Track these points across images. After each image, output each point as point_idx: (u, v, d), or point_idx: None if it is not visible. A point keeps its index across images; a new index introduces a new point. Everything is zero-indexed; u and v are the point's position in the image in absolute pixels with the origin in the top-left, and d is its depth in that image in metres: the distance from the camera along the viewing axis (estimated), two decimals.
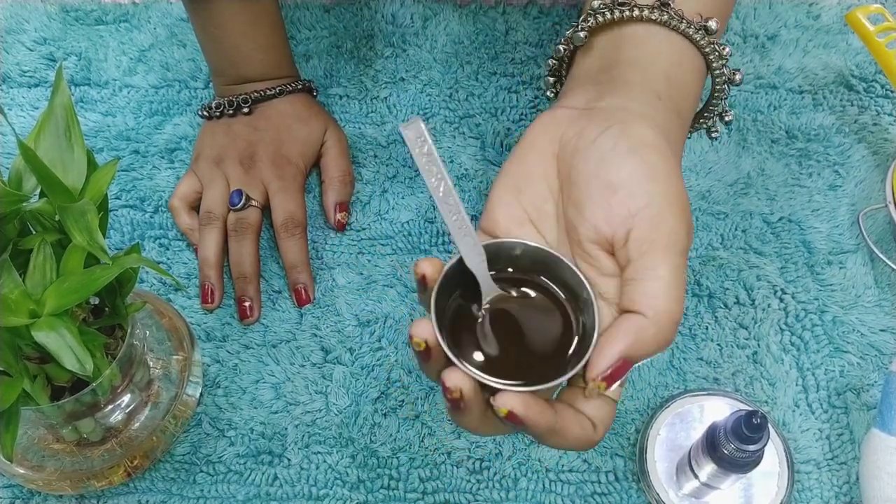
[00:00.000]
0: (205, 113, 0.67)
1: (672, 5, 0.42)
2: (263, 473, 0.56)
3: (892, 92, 0.73)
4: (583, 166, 0.39)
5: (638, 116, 0.40)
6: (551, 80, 0.49)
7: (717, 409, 0.57)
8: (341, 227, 0.66)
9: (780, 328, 0.62)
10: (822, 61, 0.75)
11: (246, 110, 0.66)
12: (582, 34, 0.44)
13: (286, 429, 0.58)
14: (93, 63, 0.75)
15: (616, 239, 0.38)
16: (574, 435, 0.37)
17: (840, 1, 0.78)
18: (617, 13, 0.42)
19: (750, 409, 0.47)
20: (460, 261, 0.38)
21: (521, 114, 0.72)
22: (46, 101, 0.72)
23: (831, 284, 0.63)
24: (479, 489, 0.56)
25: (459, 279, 0.39)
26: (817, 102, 0.72)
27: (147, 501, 0.56)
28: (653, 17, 0.41)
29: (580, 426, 0.37)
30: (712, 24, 0.41)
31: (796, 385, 0.59)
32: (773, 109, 0.72)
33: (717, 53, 0.42)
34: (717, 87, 0.44)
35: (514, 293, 0.40)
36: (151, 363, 0.56)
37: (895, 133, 0.71)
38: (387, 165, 0.69)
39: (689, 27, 0.41)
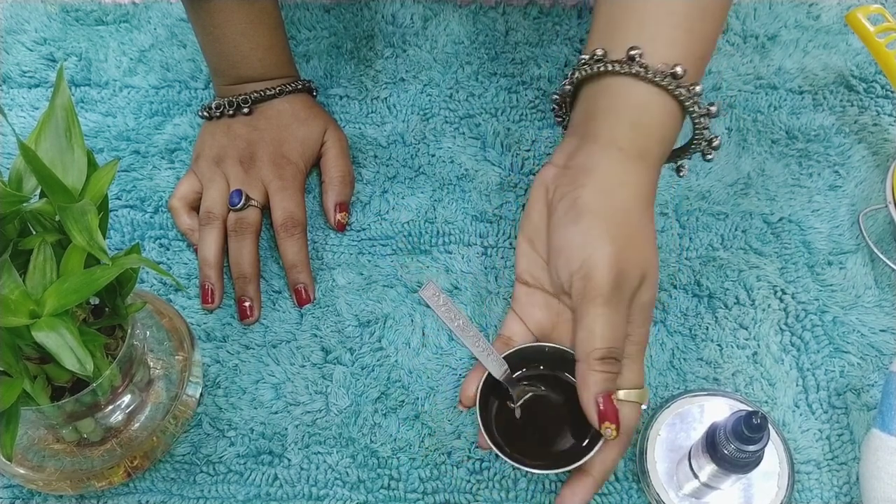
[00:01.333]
0: (205, 113, 0.67)
1: (638, 59, 0.46)
2: (263, 473, 0.56)
3: (892, 92, 0.73)
4: (549, 229, 0.50)
5: (593, 179, 0.47)
6: (559, 118, 0.56)
7: (718, 410, 0.57)
8: (341, 228, 0.66)
9: (781, 328, 0.62)
10: (822, 61, 0.75)
11: (246, 110, 0.66)
12: (568, 87, 0.51)
13: (286, 429, 0.58)
14: (93, 63, 0.75)
15: (566, 291, 0.49)
16: (613, 459, 0.48)
17: (840, 1, 0.78)
18: (595, 68, 0.48)
19: (750, 409, 0.47)
20: (489, 375, 0.50)
21: (521, 114, 0.72)
22: (46, 102, 0.72)
23: (831, 285, 0.63)
24: (479, 489, 0.56)
25: (492, 388, 0.50)
26: (817, 103, 0.72)
27: (147, 501, 0.56)
28: (622, 71, 0.46)
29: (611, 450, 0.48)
30: (678, 70, 0.45)
31: (796, 385, 0.59)
32: (773, 110, 0.72)
33: (687, 94, 0.46)
34: (696, 121, 0.48)
35: (539, 388, 0.51)
36: (151, 363, 0.56)
37: (895, 133, 0.71)
38: (387, 166, 0.69)
39: (656, 76, 0.46)
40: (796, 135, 0.71)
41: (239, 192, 0.63)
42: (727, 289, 0.63)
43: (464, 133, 0.71)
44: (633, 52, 0.46)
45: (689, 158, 0.52)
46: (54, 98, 0.44)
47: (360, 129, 0.71)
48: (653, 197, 0.48)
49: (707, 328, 0.62)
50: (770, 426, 0.53)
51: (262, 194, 0.64)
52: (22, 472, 0.53)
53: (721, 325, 0.62)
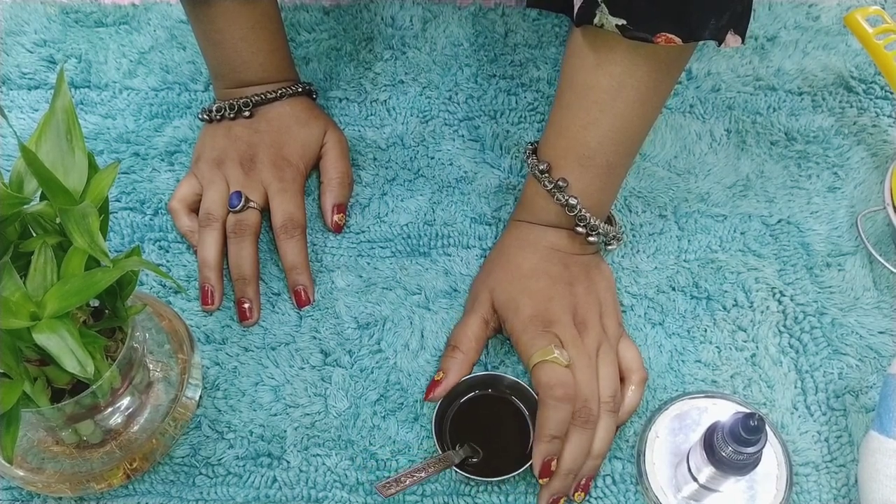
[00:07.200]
0: (205, 116, 0.67)
1: (530, 153, 0.61)
2: (262, 476, 0.56)
3: (891, 93, 0.73)
4: None
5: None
6: None
7: (716, 412, 0.57)
8: (338, 229, 0.66)
9: (779, 330, 0.62)
10: (821, 63, 0.75)
11: (247, 113, 0.66)
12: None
13: (285, 431, 0.58)
14: (93, 65, 0.75)
15: None
16: (541, 416, 0.54)
17: (839, 2, 0.78)
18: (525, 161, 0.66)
19: (748, 411, 0.47)
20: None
21: (521, 116, 0.72)
22: (46, 104, 0.72)
23: (830, 287, 0.63)
24: (477, 492, 0.56)
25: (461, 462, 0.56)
26: (816, 104, 0.73)
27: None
28: (529, 164, 0.61)
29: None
30: (543, 167, 0.59)
31: (795, 387, 0.59)
32: (772, 111, 0.72)
33: (549, 181, 0.59)
34: (555, 199, 0.59)
35: (477, 448, 0.56)
36: (151, 366, 0.56)
37: (894, 135, 0.71)
38: (386, 168, 0.69)
39: (532, 167, 0.60)
40: (795, 136, 0.71)
41: (238, 193, 0.63)
42: (726, 291, 0.63)
43: (463, 135, 0.71)
44: (529, 148, 0.62)
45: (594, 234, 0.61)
46: (55, 100, 0.44)
47: (359, 131, 0.71)
48: (529, 241, 0.61)
49: (705, 330, 0.62)
50: (768, 428, 0.53)
51: (261, 196, 0.64)
52: (21, 474, 0.53)
53: (719, 327, 0.62)
